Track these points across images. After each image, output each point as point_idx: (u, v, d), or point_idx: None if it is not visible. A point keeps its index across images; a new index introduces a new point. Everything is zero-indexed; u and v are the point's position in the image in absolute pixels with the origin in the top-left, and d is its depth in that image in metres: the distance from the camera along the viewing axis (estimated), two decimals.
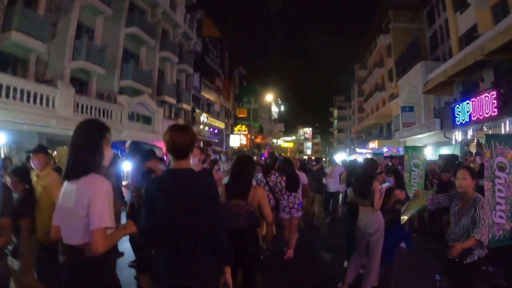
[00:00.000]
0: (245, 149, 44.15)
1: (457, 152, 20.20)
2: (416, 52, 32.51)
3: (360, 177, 6.76)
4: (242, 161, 4.97)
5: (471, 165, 14.12)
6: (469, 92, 23.18)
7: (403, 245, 6.99)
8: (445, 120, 22.48)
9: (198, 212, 2.94)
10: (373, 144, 41.83)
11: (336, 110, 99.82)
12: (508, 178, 7.04)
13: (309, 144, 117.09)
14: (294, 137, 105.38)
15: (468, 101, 18.86)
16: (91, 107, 20.19)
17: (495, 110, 16.59)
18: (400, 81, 34.82)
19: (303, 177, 9.30)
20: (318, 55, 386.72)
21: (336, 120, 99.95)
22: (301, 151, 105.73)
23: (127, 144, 10.02)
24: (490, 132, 17.13)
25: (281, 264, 8.00)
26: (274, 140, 74.28)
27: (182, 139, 3.04)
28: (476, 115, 17.99)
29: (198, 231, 2.94)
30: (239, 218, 4.49)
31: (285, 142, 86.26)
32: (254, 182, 5.36)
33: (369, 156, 34.86)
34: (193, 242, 2.92)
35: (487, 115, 17.11)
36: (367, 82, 53.53)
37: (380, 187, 6.44)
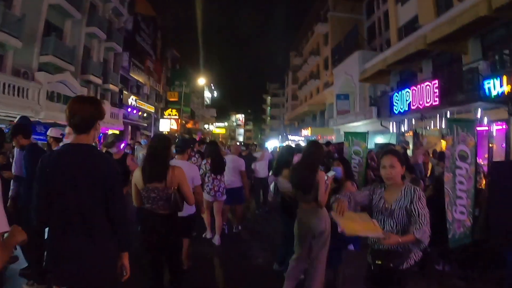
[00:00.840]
0: (176, 135, 42.29)
1: (393, 141, 19.89)
2: (354, 41, 32.21)
3: (301, 166, 5.51)
4: (158, 141, 4.58)
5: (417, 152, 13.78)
6: (406, 82, 23.11)
7: (351, 246, 5.93)
8: (382, 108, 22.06)
9: (92, 192, 2.78)
10: (306, 132, 41.35)
11: (270, 97, 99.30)
12: (470, 169, 6.38)
13: (241, 130, 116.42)
14: (226, 123, 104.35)
15: (408, 90, 18.35)
16: (4, 84, 17.73)
17: (437, 99, 16.13)
18: (335, 70, 34.69)
19: (240, 163, 9.31)
20: (253, 42, 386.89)
21: (270, 107, 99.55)
22: (233, 138, 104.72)
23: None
24: (436, 119, 16.92)
25: (206, 260, 7.45)
26: (206, 126, 72.79)
27: (81, 111, 2.82)
28: (416, 104, 17.48)
29: (91, 213, 2.79)
30: (159, 203, 4.28)
31: (217, 128, 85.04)
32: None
33: (302, 142, 35.03)
34: (84, 223, 2.76)
35: (428, 104, 16.62)
36: (302, 69, 53.24)
37: (326, 177, 5.27)
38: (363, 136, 11.13)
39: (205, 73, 59.38)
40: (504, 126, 14.56)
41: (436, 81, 16.34)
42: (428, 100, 16.65)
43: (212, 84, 79.56)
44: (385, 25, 30.49)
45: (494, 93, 13.24)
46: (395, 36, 26.03)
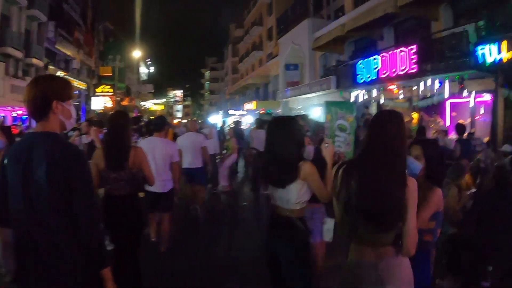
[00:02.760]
0: (110, 113, 37.99)
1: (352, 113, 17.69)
2: (302, 9, 29.71)
3: (375, 169, 2.54)
4: (117, 123, 4.31)
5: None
6: (363, 51, 20.88)
7: None
8: (342, 78, 19.54)
9: (47, 190, 2.15)
10: (250, 105, 38.46)
11: (208, 72, 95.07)
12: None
13: (179, 106, 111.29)
14: (164, 100, 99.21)
15: (376, 57, 15.94)
16: None
17: (414, 67, 13.77)
18: (281, 40, 32.02)
19: (201, 139, 8.85)
20: (191, 15, 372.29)
21: (208, 82, 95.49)
22: (171, 114, 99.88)
23: None
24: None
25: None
26: (143, 103, 68.05)
27: (29, 94, 2.27)
28: (386, 72, 15.11)
29: (49, 221, 2.18)
30: (119, 184, 4.11)
31: (154, 105, 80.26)
32: None
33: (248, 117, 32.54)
34: (40, 233, 2.18)
35: (402, 72, 14.26)
36: (244, 41, 50.18)
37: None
38: (350, 107, 8.96)
39: (141, 46, 54.57)
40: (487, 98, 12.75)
41: (415, 47, 13.94)
42: (402, 68, 14.29)
43: (148, 59, 74.48)
44: None
45: (489, 60, 11.16)
46: (350, 2, 23.47)
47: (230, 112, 43.57)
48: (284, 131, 3.44)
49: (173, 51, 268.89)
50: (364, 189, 2.48)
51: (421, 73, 13.74)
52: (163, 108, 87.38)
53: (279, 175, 3.31)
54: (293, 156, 3.31)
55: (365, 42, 21.71)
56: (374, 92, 16.75)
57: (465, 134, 10.01)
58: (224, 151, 12.76)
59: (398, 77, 14.63)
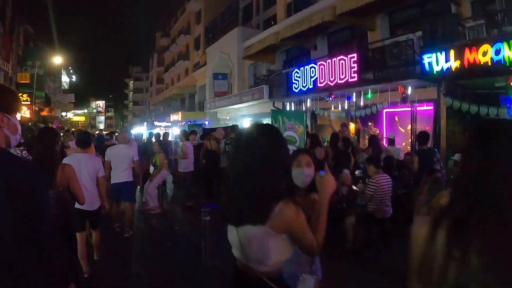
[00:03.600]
0: (29, 124, 33.96)
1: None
2: (232, 18, 28.37)
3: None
4: (42, 144, 4.11)
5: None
6: (295, 60, 20.26)
7: None
8: (275, 87, 18.19)
9: (6, 215, 1.80)
10: (176, 116, 36.22)
11: (132, 82, 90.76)
12: None
13: (102, 118, 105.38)
14: (86, 110, 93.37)
15: (313, 65, 14.71)
16: None
17: (355, 75, 12.74)
18: (209, 49, 30.29)
19: (133, 152, 8.21)
20: (115, 22, 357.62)
21: (132, 92, 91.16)
22: (94, 126, 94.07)
23: None
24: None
25: None
26: (64, 113, 63.03)
27: None
28: (324, 81, 13.90)
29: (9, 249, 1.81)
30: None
31: (75, 116, 74.90)
32: None
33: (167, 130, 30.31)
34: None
35: (342, 81, 13.15)
36: (170, 50, 47.69)
37: None
38: (300, 116, 7.60)
39: (63, 53, 50.19)
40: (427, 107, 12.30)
41: (355, 55, 12.96)
42: (342, 77, 13.21)
43: (70, 68, 69.33)
44: (265, 4, 27.09)
45: (437, 69, 10.70)
46: (282, 11, 22.60)
47: (156, 123, 40.90)
48: (257, 147, 2.06)
49: (96, 60, 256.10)
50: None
51: (362, 83, 12.82)
52: (83, 119, 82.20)
53: (244, 214, 1.99)
54: (272, 187, 2.00)
55: (297, 51, 20.93)
56: (310, 102, 15.49)
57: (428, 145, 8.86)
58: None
59: (337, 86, 13.45)
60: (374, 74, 12.45)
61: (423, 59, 11.11)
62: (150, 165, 11.74)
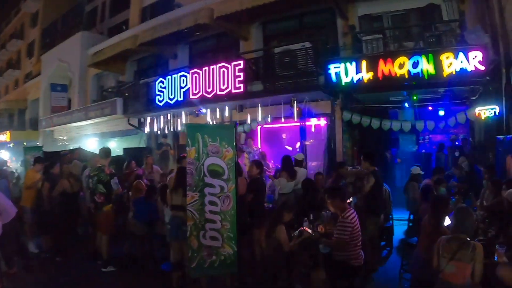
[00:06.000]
0: None
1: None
2: (75, 21, 23.66)
3: None
4: None
5: None
6: (148, 70, 17.32)
7: None
8: (131, 101, 14.46)
9: None
10: (3, 137, 29.33)
11: None
12: (227, 188, 4.98)
13: None
14: None
15: (184, 73, 11.66)
16: None
17: (240, 85, 10.24)
18: (45, 56, 24.84)
19: None
20: None
21: None
22: None
23: None
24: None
25: None
26: None
27: None
28: (199, 92, 10.92)
29: None
30: None
31: None
32: None
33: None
34: None
35: (223, 92, 10.43)
36: None
37: None
38: (229, 133, 4.46)
39: None
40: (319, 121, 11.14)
41: (241, 62, 10.51)
42: (223, 87, 10.54)
43: None
44: (114, 9, 22.86)
45: (345, 80, 9.30)
46: (136, 16, 18.95)
47: None
48: None
49: None
50: None
51: (249, 94, 10.05)
52: None
53: None
54: None
55: (151, 61, 17.64)
56: (181, 117, 12.15)
57: None
58: None
59: (217, 98, 10.50)
60: (265, 85, 9.92)
61: (328, 68, 9.42)
62: None
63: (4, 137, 29.19)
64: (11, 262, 6.62)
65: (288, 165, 7.73)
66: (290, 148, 11.52)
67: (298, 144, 11.22)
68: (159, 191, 7.43)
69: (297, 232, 5.50)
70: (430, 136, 14.21)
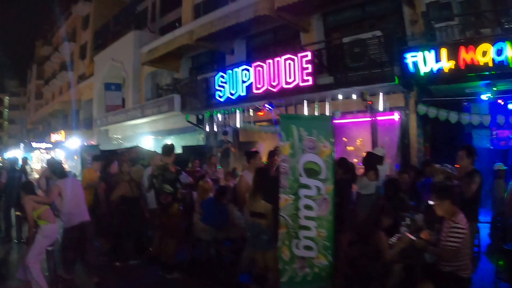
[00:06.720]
0: None
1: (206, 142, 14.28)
2: (127, 21, 23.72)
3: None
4: None
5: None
6: (204, 67, 16.88)
7: None
8: (189, 98, 14.27)
9: None
10: (58, 136, 30.23)
11: (8, 97, 78.48)
12: (324, 190, 4.48)
13: None
14: None
15: (246, 67, 11.21)
16: None
17: (308, 78, 9.64)
18: (98, 57, 25.44)
19: None
20: None
21: (7, 110, 78.92)
22: None
23: None
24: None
25: None
26: None
27: None
28: (263, 86, 10.50)
29: None
30: None
31: None
32: None
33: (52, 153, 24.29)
34: None
35: (290, 86, 9.93)
36: (51, 61, 40.15)
37: None
38: (325, 125, 4.16)
39: None
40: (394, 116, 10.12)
41: (309, 53, 9.87)
42: (289, 81, 9.99)
43: None
44: (164, 8, 22.83)
45: (424, 70, 8.49)
46: (189, 13, 18.71)
47: (34, 145, 33.59)
48: None
49: None
50: None
51: (318, 88, 9.58)
52: None
53: None
54: None
55: (206, 57, 17.43)
56: (243, 113, 11.76)
57: None
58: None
59: (282, 92, 10.03)
60: (336, 76, 9.42)
61: (405, 58, 8.69)
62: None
63: (58, 136, 30.07)
64: (70, 268, 6.29)
65: (373, 162, 7.00)
66: (352, 148, 11.03)
67: (358, 141, 10.63)
68: (231, 191, 6.97)
69: (395, 238, 4.85)
70: (498, 131, 13.14)
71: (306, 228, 4.52)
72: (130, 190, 7.38)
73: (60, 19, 37.92)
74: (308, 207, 4.48)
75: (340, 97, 9.94)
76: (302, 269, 4.57)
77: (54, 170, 6.94)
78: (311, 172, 4.42)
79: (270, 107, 10.56)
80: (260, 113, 11.66)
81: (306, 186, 4.47)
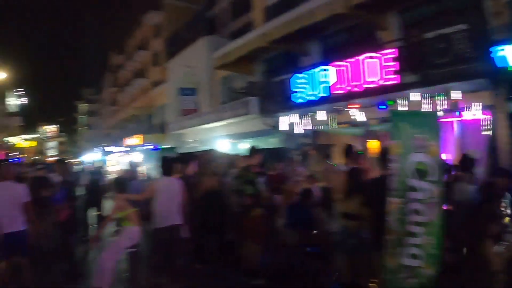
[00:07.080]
0: None
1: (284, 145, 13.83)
2: (200, 27, 24.25)
3: None
4: None
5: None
6: (278, 69, 16.31)
7: None
8: (266, 100, 14.39)
9: None
10: (135, 140, 31.52)
11: (86, 104, 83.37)
12: (435, 193, 4.15)
13: (53, 143, 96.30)
14: (37, 135, 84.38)
15: (325, 68, 11.11)
16: None
17: (394, 76, 9.44)
18: (171, 63, 26.60)
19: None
20: (67, 44, 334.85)
21: (86, 116, 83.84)
22: (42, 152, 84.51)
23: None
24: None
25: None
26: (11, 138, 55.18)
27: None
28: (344, 86, 10.39)
29: None
30: None
31: (25, 141, 66.76)
32: None
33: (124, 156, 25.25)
34: None
35: (373, 84, 9.69)
36: (125, 69, 42.77)
37: None
38: (432, 123, 4.44)
39: (10, 74, 43.28)
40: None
41: (395, 50, 9.70)
42: (372, 79, 9.84)
43: (21, 89, 61.67)
44: (232, 14, 23.45)
45: None
46: (260, 16, 18.89)
47: (108, 149, 35.18)
48: None
49: (47, 81, 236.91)
50: None
51: (403, 86, 9.40)
52: (35, 144, 73.41)
53: None
54: None
55: (280, 60, 17.19)
56: (323, 115, 11.54)
57: None
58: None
59: (365, 92, 9.96)
60: (422, 74, 9.19)
61: (492, 52, 8.22)
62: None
63: (136, 140, 31.37)
64: (158, 271, 6.28)
65: (470, 165, 6.65)
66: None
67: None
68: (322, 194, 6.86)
69: (502, 246, 4.60)
70: None
71: (414, 234, 4.24)
72: (216, 183, 7.38)
73: (132, 29, 39.67)
74: (417, 212, 4.21)
75: (418, 96, 9.53)
76: (409, 280, 4.29)
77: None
78: (421, 173, 4.27)
79: (383, 107, 10.08)
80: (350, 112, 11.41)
81: (415, 189, 4.22)
